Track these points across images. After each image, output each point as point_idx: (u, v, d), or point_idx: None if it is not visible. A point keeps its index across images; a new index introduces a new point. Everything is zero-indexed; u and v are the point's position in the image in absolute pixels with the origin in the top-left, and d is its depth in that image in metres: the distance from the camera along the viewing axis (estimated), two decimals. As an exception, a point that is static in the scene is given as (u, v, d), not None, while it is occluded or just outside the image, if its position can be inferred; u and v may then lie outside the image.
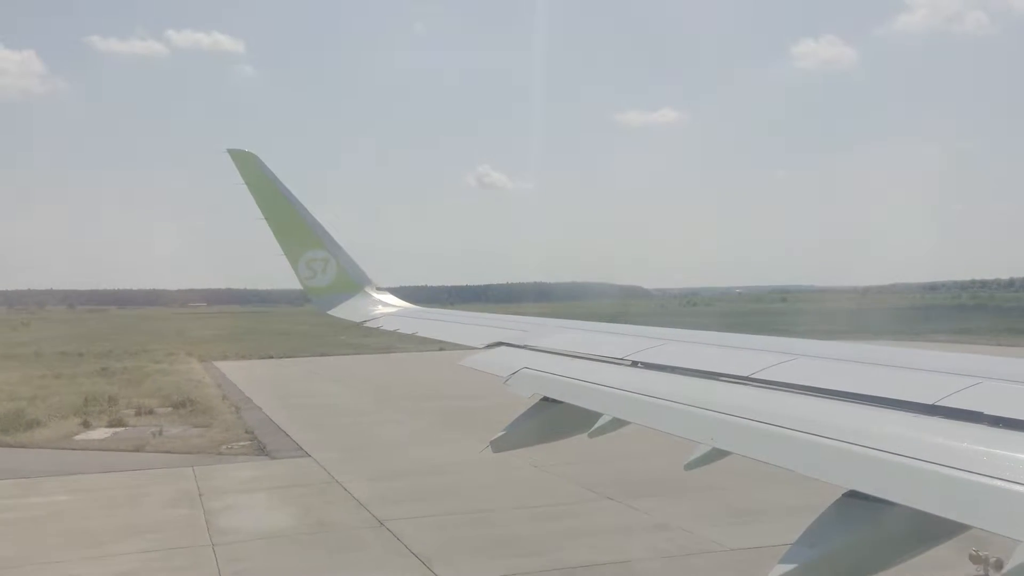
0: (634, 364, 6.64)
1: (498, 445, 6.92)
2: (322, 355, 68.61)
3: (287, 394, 44.78)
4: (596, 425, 6.02)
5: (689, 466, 4.98)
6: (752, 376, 5.43)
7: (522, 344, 8.45)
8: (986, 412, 3.97)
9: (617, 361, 6.86)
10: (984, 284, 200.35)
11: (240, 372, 55.70)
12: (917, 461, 3.81)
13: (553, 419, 6.74)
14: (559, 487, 23.14)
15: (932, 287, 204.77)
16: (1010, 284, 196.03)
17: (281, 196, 13.38)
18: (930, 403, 4.22)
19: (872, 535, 3.95)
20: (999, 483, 3.47)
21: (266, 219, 13.28)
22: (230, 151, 13.34)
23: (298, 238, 13.48)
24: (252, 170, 13.28)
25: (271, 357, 67.88)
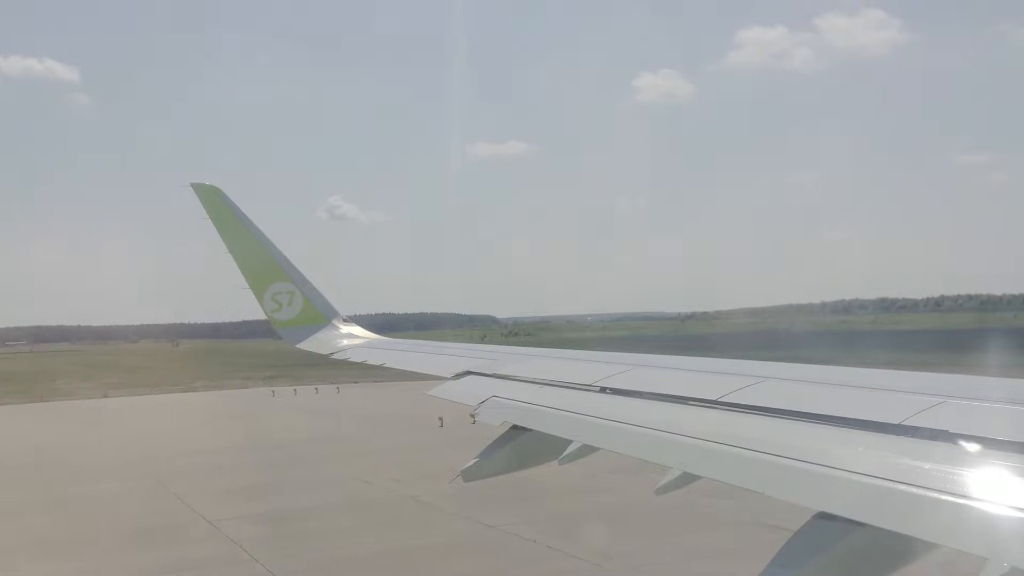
0: (603, 390, 6.63)
1: (469, 474, 6.87)
2: (105, 397, 75.73)
3: None
4: (566, 452, 6.00)
5: (660, 491, 4.98)
6: (719, 400, 5.45)
7: (490, 373, 8.42)
8: (951, 431, 4.00)
9: (586, 388, 6.85)
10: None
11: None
12: (886, 481, 3.83)
13: (523, 447, 6.71)
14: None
15: (784, 310, 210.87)
16: (863, 306, 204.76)
17: (245, 229, 13.26)
18: (897, 423, 4.25)
19: (844, 555, 3.95)
20: (967, 502, 3.50)
21: (230, 252, 13.14)
22: (193, 185, 13.19)
23: (263, 271, 13.35)
24: (216, 204, 13.15)
25: (42, 399, 76.32)
